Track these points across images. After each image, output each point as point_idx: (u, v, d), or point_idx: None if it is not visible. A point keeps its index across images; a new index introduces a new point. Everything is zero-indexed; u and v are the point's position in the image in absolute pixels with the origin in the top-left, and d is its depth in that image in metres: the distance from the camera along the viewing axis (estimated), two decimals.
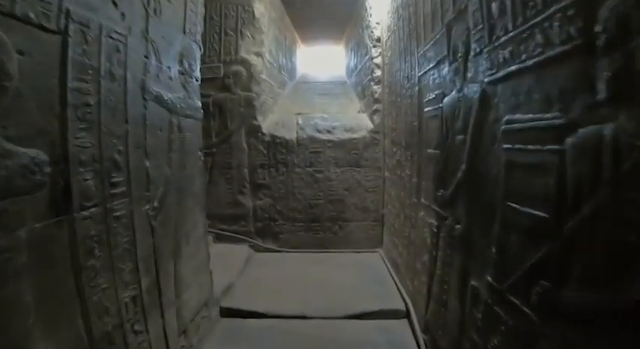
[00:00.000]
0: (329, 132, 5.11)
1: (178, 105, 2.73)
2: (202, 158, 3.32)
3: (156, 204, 2.44)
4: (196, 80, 3.11)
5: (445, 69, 2.51)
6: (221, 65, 5.11)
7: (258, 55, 5.20)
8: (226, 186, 5.20)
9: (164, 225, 2.55)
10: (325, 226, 5.20)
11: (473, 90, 2.04)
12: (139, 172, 2.23)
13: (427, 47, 2.91)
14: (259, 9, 5.22)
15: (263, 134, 5.10)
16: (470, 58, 2.10)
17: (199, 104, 3.18)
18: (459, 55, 2.26)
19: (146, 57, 2.31)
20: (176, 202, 2.75)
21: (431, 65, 2.83)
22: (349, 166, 5.10)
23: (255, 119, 5.08)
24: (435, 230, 2.77)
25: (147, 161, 2.33)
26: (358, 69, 6.20)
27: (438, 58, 2.64)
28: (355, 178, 5.11)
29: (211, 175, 5.20)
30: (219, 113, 5.11)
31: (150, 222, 2.38)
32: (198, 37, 3.15)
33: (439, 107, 2.63)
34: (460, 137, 2.25)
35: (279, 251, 5.21)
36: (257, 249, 5.19)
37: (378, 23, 5.08)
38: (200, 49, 3.21)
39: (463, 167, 2.20)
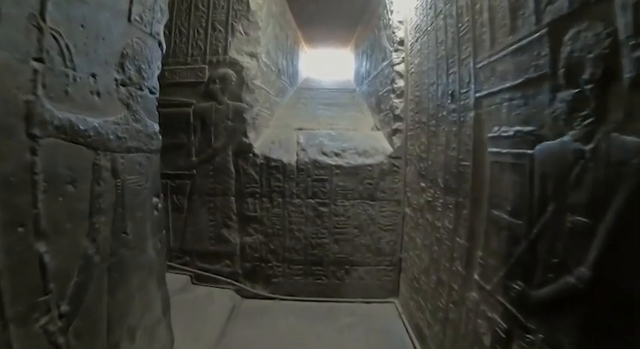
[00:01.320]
0: (337, 155, 4.11)
1: (112, 136, 1.74)
2: (160, 205, 2.32)
3: (64, 308, 1.45)
4: (151, 92, 2.12)
5: (544, 96, 1.53)
6: (206, 67, 4.11)
7: (253, 55, 4.21)
8: (208, 217, 4.20)
9: (83, 333, 1.57)
10: (329, 271, 4.20)
11: (624, 146, 1.07)
12: (20, 267, 1.25)
13: (497, 57, 1.94)
14: (256, 0, 4.23)
15: (255, 155, 4.10)
16: (617, 86, 1.13)
17: (155, 127, 2.18)
18: (585, 77, 1.28)
19: (38, 59, 1.32)
20: (108, 289, 1.76)
21: (505, 85, 1.85)
22: (361, 199, 4.10)
23: (246, 136, 4.08)
24: (503, 335, 1.80)
25: (39, 243, 1.34)
26: (372, 76, 5.21)
27: (527, 76, 1.66)
28: (368, 213, 4.12)
29: (190, 203, 4.21)
30: (201, 126, 4.12)
31: (55, 341, 1.40)
32: (158, 29, 2.16)
33: (525, 154, 1.66)
34: (579, 219, 1.28)
35: (271, 298, 4.22)
36: (244, 294, 4.21)
37: (401, 22, 4.09)
38: (161, 46, 2.22)
39: (583, 272, 1.25)
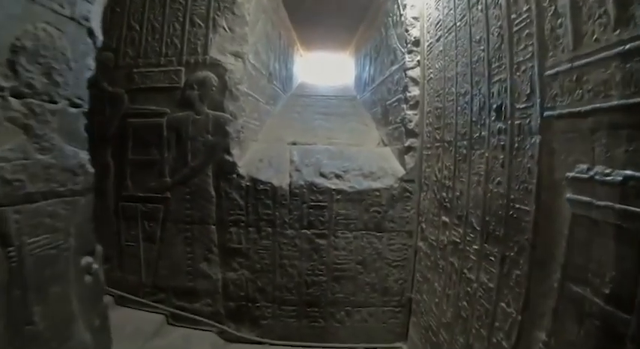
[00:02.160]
0: (338, 177, 3.44)
1: None
2: (95, 265, 1.63)
3: None
4: (74, 105, 1.44)
5: None
6: (182, 69, 3.44)
7: (238, 56, 3.54)
8: (185, 249, 3.52)
9: None
10: (327, 312, 3.53)
11: None
12: None
13: (587, 61, 1.30)
14: None
15: (240, 176, 3.42)
16: None
17: (82, 157, 1.51)
18: None
19: None
20: None
21: (605, 103, 1.23)
22: (366, 230, 3.43)
23: (229, 153, 3.41)
24: None
25: None
26: (377, 82, 4.55)
27: None
28: (374, 247, 3.45)
29: (164, 231, 3.54)
30: (176, 141, 3.45)
31: None
32: (87, 11, 1.50)
33: None
34: None
35: (259, 342, 3.55)
36: (228, 337, 3.53)
37: (416, 19, 3.45)
38: (94, 37, 1.56)
39: None
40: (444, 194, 2.72)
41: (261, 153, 3.68)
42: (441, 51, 2.83)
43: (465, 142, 2.37)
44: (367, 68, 5.16)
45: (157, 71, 3.50)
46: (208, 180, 3.42)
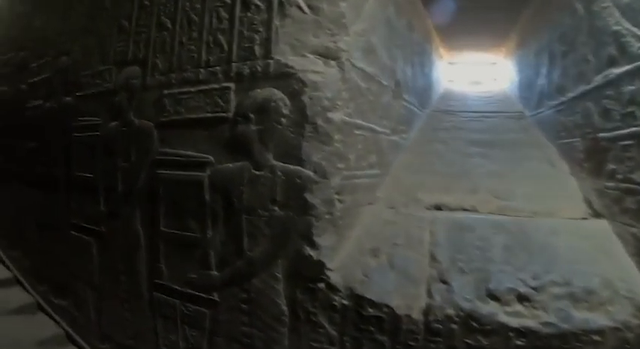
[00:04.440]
0: (523, 299, 1.61)
1: None
2: None
3: None
4: None
5: None
6: (231, 86, 1.99)
7: (329, 56, 1.96)
8: None
9: None
10: None
11: None
12: None
13: None
14: None
15: (331, 287, 1.79)
16: None
17: None
18: None
19: None
20: None
21: None
22: None
23: (311, 242, 1.81)
24: None
25: None
26: (573, 94, 2.51)
27: None
28: None
29: (212, 347, 2.16)
30: (224, 210, 2.01)
31: None
32: None
33: None
34: None
35: None
36: None
37: None
38: None
39: None
40: None
41: (376, 237, 2.02)
42: None
43: None
44: (545, 71, 3.15)
45: (195, 91, 2.09)
46: (276, 285, 1.89)
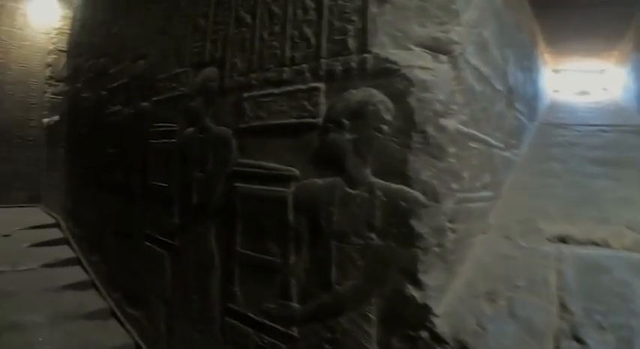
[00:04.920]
0: None
1: None
2: None
3: None
4: None
5: None
6: (320, 87, 1.67)
7: (439, 49, 1.59)
8: None
9: None
10: None
11: None
12: None
13: None
14: None
15: (437, 338, 1.40)
16: None
17: None
18: None
19: None
20: None
21: None
22: None
23: (415, 280, 1.42)
24: None
25: None
26: None
27: None
28: None
29: None
30: (310, 234, 1.70)
31: None
32: None
33: None
34: None
35: None
36: None
37: None
38: None
39: None
40: None
41: (491, 277, 1.61)
42: None
43: None
44: None
45: (278, 93, 1.80)
46: (368, 328, 1.54)
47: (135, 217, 3.06)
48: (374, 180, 1.52)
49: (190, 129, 2.36)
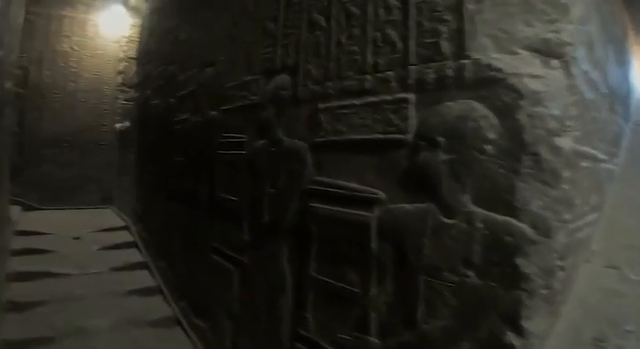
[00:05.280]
0: None
1: None
2: None
3: None
4: None
5: None
6: (409, 98, 1.48)
7: (551, 54, 1.34)
8: None
9: None
10: None
11: None
12: None
13: None
14: None
15: None
16: None
17: None
18: None
19: None
20: None
21: None
22: None
23: (515, 325, 1.19)
24: None
25: None
26: None
27: None
28: None
29: None
30: (394, 265, 1.51)
31: None
32: None
33: None
34: None
35: None
36: None
37: None
38: None
39: None
40: None
41: (598, 318, 1.34)
42: None
43: None
44: None
45: (359, 105, 1.63)
46: None
47: (201, 228, 3.02)
48: (474, 209, 1.30)
49: (261, 141, 2.25)
